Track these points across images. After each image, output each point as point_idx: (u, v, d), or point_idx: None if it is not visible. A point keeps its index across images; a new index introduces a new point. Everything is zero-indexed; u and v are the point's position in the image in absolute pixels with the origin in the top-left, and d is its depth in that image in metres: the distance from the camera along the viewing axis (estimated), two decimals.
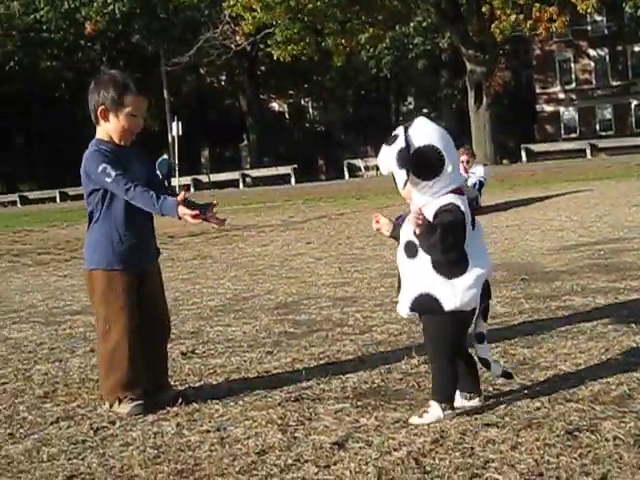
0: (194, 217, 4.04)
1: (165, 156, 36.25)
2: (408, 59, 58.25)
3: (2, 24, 58.20)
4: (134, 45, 70.29)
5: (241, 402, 4.25)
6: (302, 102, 77.52)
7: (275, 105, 76.64)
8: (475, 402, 3.84)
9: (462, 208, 3.57)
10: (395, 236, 3.83)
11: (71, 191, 49.64)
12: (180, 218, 4.07)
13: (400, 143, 3.57)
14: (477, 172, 14.60)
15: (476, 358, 3.90)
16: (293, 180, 43.14)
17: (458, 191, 3.64)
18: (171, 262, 11.03)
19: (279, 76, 65.89)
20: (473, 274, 3.61)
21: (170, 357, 5.34)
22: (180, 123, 41.43)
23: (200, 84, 74.16)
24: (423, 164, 3.56)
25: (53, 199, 49.48)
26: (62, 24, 66.85)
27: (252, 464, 3.40)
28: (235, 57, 53.03)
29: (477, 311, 3.73)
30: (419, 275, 3.64)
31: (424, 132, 3.59)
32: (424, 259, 3.62)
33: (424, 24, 50.93)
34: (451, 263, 3.59)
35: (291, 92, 74.22)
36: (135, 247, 4.29)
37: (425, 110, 71.76)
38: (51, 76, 70.15)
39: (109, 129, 4.32)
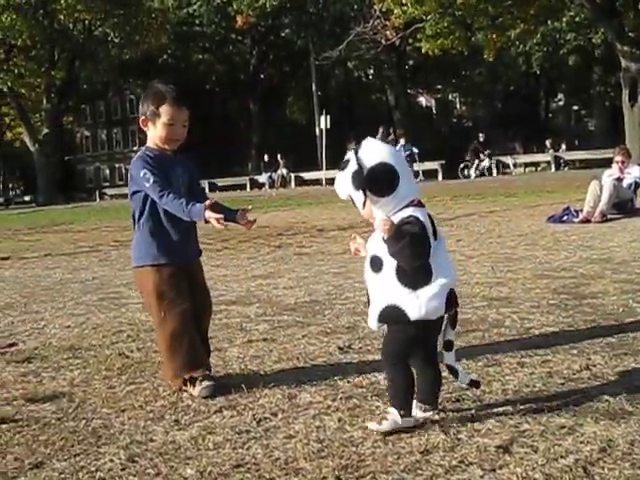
0: (218, 221, 4.33)
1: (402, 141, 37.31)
2: (559, 55, 56.98)
3: (157, 18, 59.71)
4: (284, 39, 71.13)
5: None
6: (449, 97, 77.02)
7: (422, 100, 76.38)
8: (429, 414, 3.92)
9: (422, 219, 3.65)
10: None
11: (220, 182, 50.75)
12: (207, 222, 4.34)
13: (352, 166, 3.67)
14: (633, 172, 14.19)
15: (444, 366, 3.96)
16: (440, 176, 42.85)
17: (417, 203, 3.73)
18: (322, 255, 11.12)
19: (427, 70, 65.63)
20: (437, 284, 3.69)
21: (327, 351, 5.41)
22: (328, 117, 41.67)
23: (348, 78, 74.54)
24: (378, 182, 3.66)
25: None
26: (214, 18, 68.25)
27: (416, 463, 3.39)
28: (383, 51, 52.87)
29: (445, 319, 3.85)
30: (385, 288, 3.72)
31: (374, 152, 3.70)
32: (389, 272, 3.69)
33: (577, 19, 49.69)
34: (415, 274, 3.67)
35: (439, 87, 73.82)
36: (178, 243, 4.64)
37: (575, 107, 70.28)
38: (202, 69, 71.59)
39: (152, 137, 4.69)
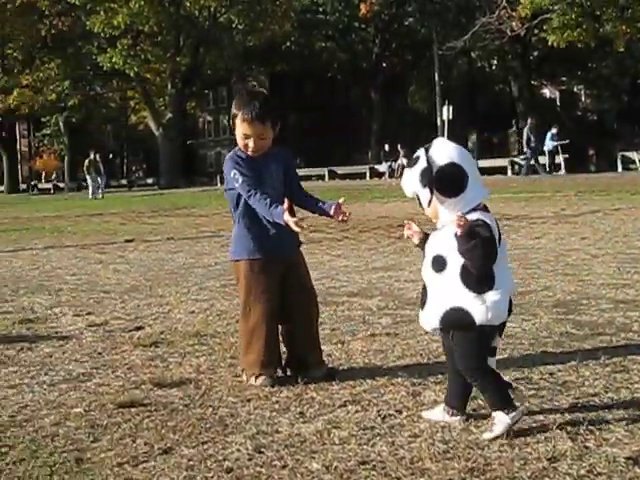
0: (296, 224, 4.43)
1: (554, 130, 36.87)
2: None
3: (281, 5, 60.08)
4: (407, 27, 70.81)
5: (527, 403, 4.18)
6: (574, 89, 75.44)
7: (546, 92, 75.03)
8: (456, 419, 3.91)
9: (490, 224, 3.64)
10: (423, 247, 3.89)
11: (340, 170, 50.86)
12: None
13: (422, 164, 3.70)
14: None
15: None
16: (563, 170, 42.02)
17: (484, 208, 3.74)
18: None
19: (552, 62, 64.29)
20: (501, 290, 3.68)
21: None
22: (450, 107, 41.37)
23: (471, 68, 73.73)
24: (446, 182, 3.67)
25: (322, 177, 50.78)
26: (337, 6, 68.42)
27: (543, 470, 3.33)
28: (508, 42, 52.09)
29: (504, 325, 3.84)
30: (447, 289, 3.70)
31: (444, 151, 3.72)
32: (453, 273, 3.67)
33: None
34: (480, 278, 3.65)
35: (563, 79, 72.37)
36: (275, 238, 4.72)
37: None
38: (325, 56, 71.78)
39: None
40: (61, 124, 72.64)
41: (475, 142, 65.79)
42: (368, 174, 49.36)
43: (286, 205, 4.47)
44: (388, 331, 6.01)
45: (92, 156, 40.59)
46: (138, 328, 6.56)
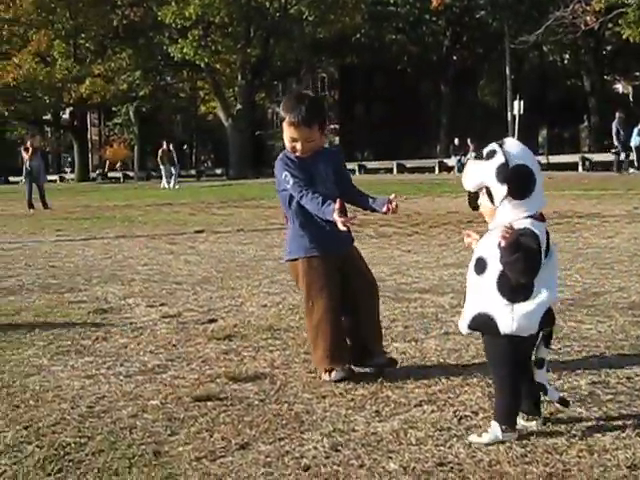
0: (343, 223, 4.50)
1: None
2: None
3: None
4: (478, 20, 70.18)
5: (604, 408, 4.12)
6: None
7: (619, 87, 73.85)
8: (533, 424, 3.83)
9: (538, 235, 3.55)
10: None
11: (408, 163, 50.68)
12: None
13: (499, 158, 3.57)
14: None
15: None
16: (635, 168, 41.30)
17: (539, 217, 3.64)
18: None
19: (626, 57, 63.28)
20: (535, 301, 3.59)
21: None
22: (521, 101, 40.95)
23: (542, 62, 72.89)
24: (519, 182, 3.57)
25: (390, 170, 50.65)
26: None
27: (623, 478, 3.28)
28: (581, 36, 51.37)
29: (539, 337, 3.74)
30: (482, 293, 3.67)
31: (519, 151, 3.62)
32: (491, 277, 3.62)
33: None
34: (517, 287, 3.57)
35: (637, 73, 71.16)
36: (329, 236, 4.77)
37: None
38: (395, 49, 71.50)
39: None
40: (131, 114, 73.45)
41: (545, 137, 65.14)
42: (437, 168, 49.09)
43: (338, 204, 4.51)
44: None
45: (165, 146, 40.84)
46: (211, 320, 6.60)
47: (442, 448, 3.64)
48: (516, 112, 41.40)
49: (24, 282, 9.19)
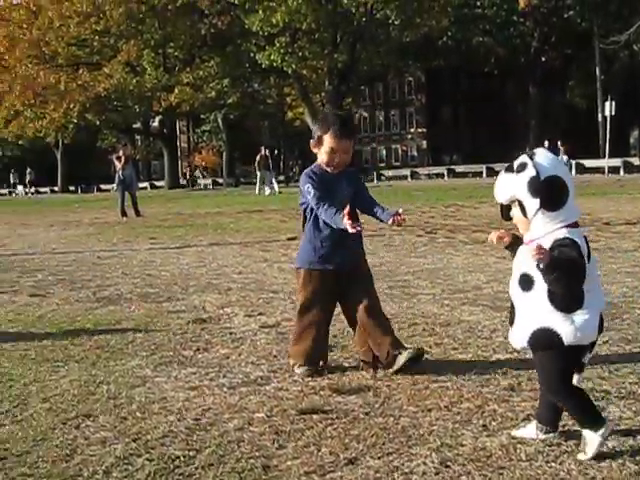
0: (352, 227, 4.85)
1: None
2: None
3: (438, 0, 59.68)
4: (567, 20, 69.21)
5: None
6: None
7: None
8: (549, 436, 3.87)
9: (579, 242, 3.54)
10: (511, 249, 3.83)
11: (497, 167, 50.21)
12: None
13: (530, 171, 3.56)
14: None
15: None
16: None
17: (574, 225, 3.62)
18: (611, 252, 10.73)
19: None
20: (591, 307, 3.58)
21: (630, 360, 5.19)
22: (613, 102, 40.25)
23: (633, 61, 71.56)
24: (552, 194, 3.57)
25: (479, 173, 50.25)
26: (495, 0, 67.46)
27: None
28: None
29: (595, 343, 3.77)
30: (536, 309, 3.62)
31: (549, 162, 3.60)
32: (541, 292, 3.58)
33: None
34: (569, 297, 3.56)
35: None
36: (333, 252, 5.30)
37: None
38: (482, 51, 71.00)
39: (319, 159, 5.37)
40: (220, 121, 74.36)
41: (637, 138, 63.86)
42: None
43: (346, 210, 4.94)
44: None
45: (263, 152, 41.04)
46: None
47: (553, 464, 3.58)
48: (607, 113, 40.71)
49: (122, 291, 9.34)
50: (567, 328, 3.56)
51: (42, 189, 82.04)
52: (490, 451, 3.76)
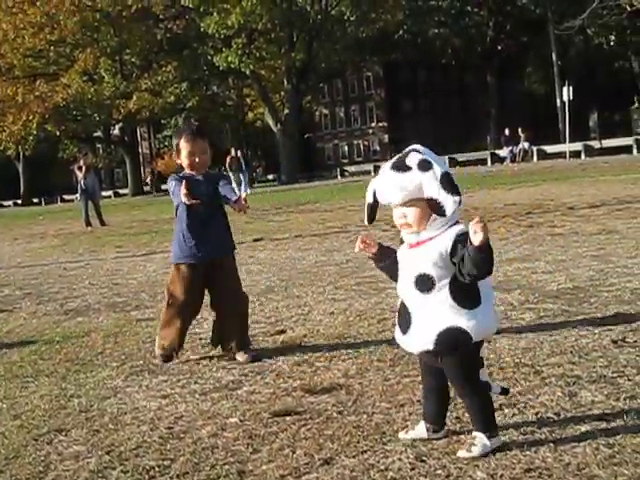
0: (186, 197, 5.51)
1: None
2: None
3: None
4: (520, 8, 69.69)
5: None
6: None
7: None
8: (438, 435, 3.83)
9: None
10: (377, 258, 3.78)
11: (460, 157, 50.50)
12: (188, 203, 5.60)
13: (439, 168, 3.45)
14: None
15: None
16: None
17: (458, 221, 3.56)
18: (576, 236, 10.81)
19: None
20: (487, 301, 3.56)
21: (600, 344, 5.23)
22: (570, 87, 40.52)
23: (587, 46, 72.12)
24: (455, 189, 3.46)
25: None
26: None
27: None
28: (627, 17, 50.76)
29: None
30: (439, 309, 3.52)
31: (436, 158, 3.53)
32: (443, 292, 3.50)
33: None
34: (467, 293, 3.50)
35: None
36: (199, 245, 5.82)
37: None
38: (439, 43, 71.29)
39: (182, 164, 5.94)
40: (180, 125, 74.02)
41: (596, 121, 64.36)
42: (489, 160, 48.79)
43: (183, 184, 5.56)
44: (533, 327, 5.90)
45: (233, 152, 40.41)
46: (280, 332, 6.61)
47: (528, 453, 3.58)
48: (565, 98, 40.95)
49: (90, 302, 9.29)
50: (473, 324, 3.50)
51: (5, 202, 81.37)
52: (464, 442, 3.75)
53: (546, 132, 54.61)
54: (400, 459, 3.62)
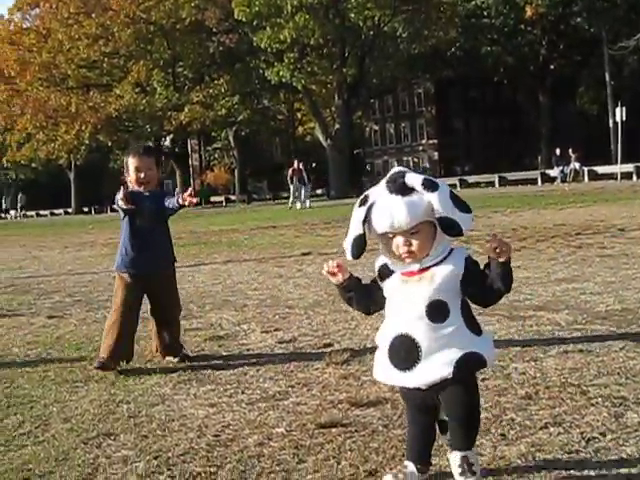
0: (123, 200, 5.99)
1: None
2: None
3: (445, 12, 59.87)
4: (574, 27, 69.26)
5: None
6: None
7: None
8: (426, 475, 3.61)
9: None
10: (346, 286, 3.57)
11: (510, 176, 50.21)
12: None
13: (445, 186, 3.28)
14: None
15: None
16: None
17: None
18: (625, 258, 10.71)
19: None
20: (484, 328, 3.48)
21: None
22: (623, 108, 40.19)
23: None
24: (468, 207, 3.32)
25: (492, 183, 50.25)
26: (502, 9, 67.66)
27: None
28: None
29: None
30: (455, 337, 3.31)
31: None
32: (457, 320, 3.32)
33: None
34: (474, 320, 3.41)
35: None
36: (138, 258, 6.22)
37: None
38: (491, 60, 71.06)
39: (130, 181, 6.27)
40: (231, 138, 74.50)
41: None
42: (540, 179, 48.52)
43: (121, 190, 5.97)
44: (581, 348, 5.88)
45: (296, 165, 40.36)
46: (327, 345, 6.65)
47: (572, 472, 3.60)
48: (618, 119, 40.63)
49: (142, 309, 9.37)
50: (487, 349, 3.39)
51: (56, 211, 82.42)
52: (509, 460, 3.78)
53: (598, 153, 54.17)
54: (445, 473, 3.64)
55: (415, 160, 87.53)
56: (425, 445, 3.60)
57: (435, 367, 3.30)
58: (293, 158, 42.79)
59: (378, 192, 3.37)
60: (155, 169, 6.35)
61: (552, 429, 4.16)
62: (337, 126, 60.53)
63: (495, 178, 50.68)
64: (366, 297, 3.57)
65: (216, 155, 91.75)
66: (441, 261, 3.33)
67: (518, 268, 10.56)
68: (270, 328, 7.61)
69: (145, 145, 6.87)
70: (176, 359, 6.40)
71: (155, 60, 63.72)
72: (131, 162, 6.24)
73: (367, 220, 3.37)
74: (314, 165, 39.37)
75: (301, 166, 40.54)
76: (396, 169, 3.39)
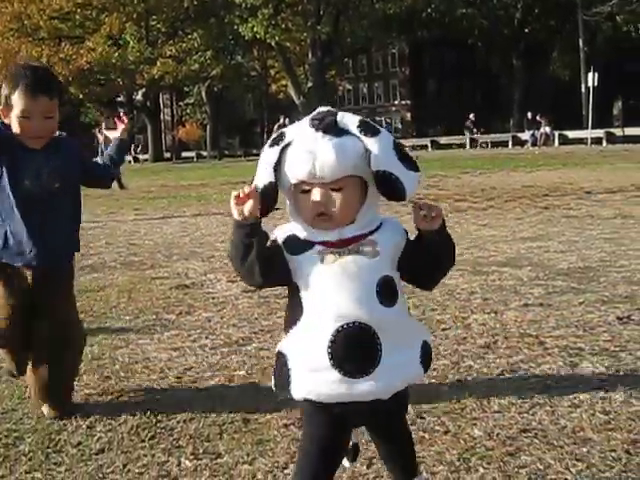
0: None
1: None
2: None
3: None
4: None
5: None
6: None
7: None
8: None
9: None
10: (251, 223, 2.35)
11: (481, 138, 50.33)
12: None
13: (388, 135, 2.38)
14: None
15: None
16: None
17: None
18: (591, 219, 10.84)
19: None
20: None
21: (605, 321, 5.31)
22: (595, 74, 40.31)
23: (616, 33, 71.54)
24: (415, 164, 2.42)
25: (462, 145, 50.38)
26: None
27: None
28: None
29: None
30: (408, 324, 2.48)
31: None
32: (402, 302, 2.41)
33: None
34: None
35: None
36: (21, 244, 3.94)
37: None
38: (466, 22, 70.84)
39: (13, 127, 3.88)
40: (203, 93, 74.00)
41: (620, 109, 63.99)
42: (510, 142, 48.67)
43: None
44: (541, 302, 5.98)
45: (282, 120, 39.78)
46: None
47: (525, 415, 3.69)
48: (590, 84, 40.72)
49: (106, 260, 9.39)
50: (429, 335, 2.58)
51: None
52: (465, 404, 3.86)
53: (569, 117, 54.30)
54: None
55: (388, 120, 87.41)
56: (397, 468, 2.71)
57: (400, 366, 2.38)
58: (280, 116, 42.48)
59: (298, 130, 2.42)
60: (56, 115, 3.95)
61: (508, 376, 4.25)
62: (310, 84, 60.27)
63: (466, 140, 50.78)
64: (268, 255, 2.39)
65: (188, 110, 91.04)
66: (370, 233, 2.38)
67: (484, 227, 10.70)
68: (236, 278, 7.60)
69: (44, 77, 3.91)
70: (53, 412, 4.01)
71: (128, 13, 62.92)
72: (18, 103, 3.81)
73: (279, 165, 2.39)
74: (287, 122, 39.15)
75: (287, 122, 40.24)
76: (325, 108, 2.47)
